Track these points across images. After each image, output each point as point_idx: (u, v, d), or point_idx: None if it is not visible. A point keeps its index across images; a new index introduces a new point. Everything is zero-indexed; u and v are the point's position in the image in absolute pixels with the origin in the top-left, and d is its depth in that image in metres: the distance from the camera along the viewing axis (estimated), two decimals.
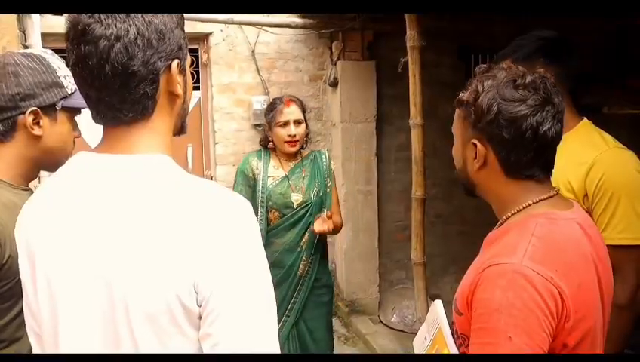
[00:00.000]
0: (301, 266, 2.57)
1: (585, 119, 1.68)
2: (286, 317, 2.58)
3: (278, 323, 2.33)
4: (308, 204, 2.55)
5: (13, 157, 1.31)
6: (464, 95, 1.12)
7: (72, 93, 1.32)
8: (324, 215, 2.53)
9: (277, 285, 2.40)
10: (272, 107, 2.59)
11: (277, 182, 2.57)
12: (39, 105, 1.29)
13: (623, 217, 1.51)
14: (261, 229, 2.46)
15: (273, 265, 2.41)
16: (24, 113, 1.28)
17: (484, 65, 1.16)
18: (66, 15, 0.86)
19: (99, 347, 0.84)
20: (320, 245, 2.62)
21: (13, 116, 1.28)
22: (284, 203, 2.54)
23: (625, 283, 1.50)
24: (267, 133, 2.64)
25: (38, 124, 1.29)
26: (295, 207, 2.55)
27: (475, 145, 1.10)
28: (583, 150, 1.58)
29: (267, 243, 2.51)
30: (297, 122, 2.54)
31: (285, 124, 2.52)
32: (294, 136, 2.52)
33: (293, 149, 2.56)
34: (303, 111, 2.60)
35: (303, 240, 2.57)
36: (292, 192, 2.55)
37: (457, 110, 1.16)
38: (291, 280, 2.56)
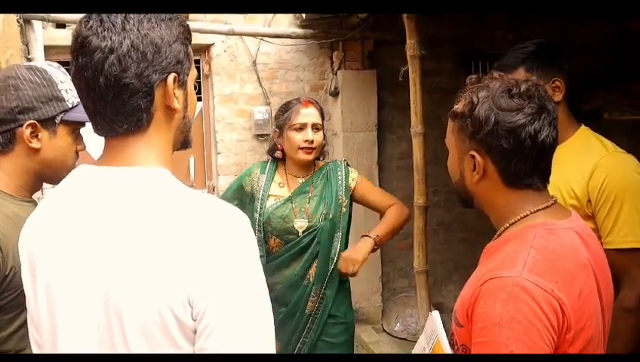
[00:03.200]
0: (310, 303, 2.16)
1: (583, 126, 1.69)
2: None
3: None
4: (314, 230, 2.14)
5: (14, 169, 1.32)
6: (458, 107, 1.12)
7: (74, 107, 1.33)
8: (346, 253, 2.14)
9: (281, 325, 2.14)
10: (287, 108, 2.19)
11: (279, 203, 2.16)
12: (38, 119, 1.29)
13: (626, 220, 1.50)
14: (261, 256, 2.09)
15: (275, 301, 2.12)
16: (22, 126, 1.28)
17: (475, 76, 1.15)
18: (70, 28, 0.88)
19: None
20: (336, 277, 2.18)
21: (12, 129, 1.29)
22: (285, 228, 2.14)
23: (632, 286, 1.49)
24: (276, 140, 2.22)
25: (36, 136, 1.30)
26: (300, 234, 2.14)
27: (473, 156, 1.09)
28: (584, 156, 1.58)
29: (268, 274, 2.13)
30: (315, 127, 2.15)
31: (302, 127, 2.12)
32: (312, 141, 2.12)
33: (309, 158, 2.15)
34: (322, 117, 2.21)
35: (310, 272, 2.16)
36: (295, 217, 2.14)
37: (451, 123, 1.15)
38: (298, 319, 2.17)
